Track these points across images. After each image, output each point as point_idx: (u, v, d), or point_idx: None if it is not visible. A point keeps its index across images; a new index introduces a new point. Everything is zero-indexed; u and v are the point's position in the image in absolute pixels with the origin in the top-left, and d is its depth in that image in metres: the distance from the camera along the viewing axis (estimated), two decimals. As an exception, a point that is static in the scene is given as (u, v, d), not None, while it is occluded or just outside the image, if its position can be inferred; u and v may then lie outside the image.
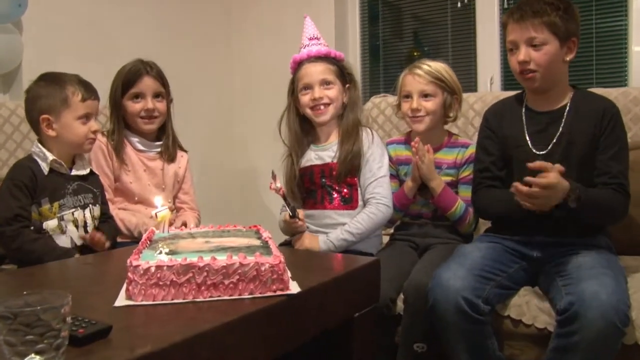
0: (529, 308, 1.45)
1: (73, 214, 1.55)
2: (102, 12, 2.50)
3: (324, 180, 1.79)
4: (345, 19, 2.95)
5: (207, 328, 0.89)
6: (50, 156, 1.54)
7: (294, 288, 1.06)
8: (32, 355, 0.68)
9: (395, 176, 1.83)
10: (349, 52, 2.95)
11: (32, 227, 1.51)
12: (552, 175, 1.34)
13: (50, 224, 1.53)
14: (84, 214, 1.58)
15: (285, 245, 1.79)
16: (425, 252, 1.72)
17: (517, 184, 1.36)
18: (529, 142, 1.56)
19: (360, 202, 1.77)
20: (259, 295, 1.02)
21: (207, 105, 2.94)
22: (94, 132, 1.58)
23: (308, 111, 1.79)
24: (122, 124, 1.84)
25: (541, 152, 1.54)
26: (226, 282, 1.01)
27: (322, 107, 1.77)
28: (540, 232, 1.52)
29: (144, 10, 2.69)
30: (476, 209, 1.70)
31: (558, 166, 1.36)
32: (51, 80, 1.56)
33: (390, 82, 2.69)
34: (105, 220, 1.65)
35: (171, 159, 1.91)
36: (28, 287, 1.13)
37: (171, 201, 1.90)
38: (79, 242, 1.54)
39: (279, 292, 1.03)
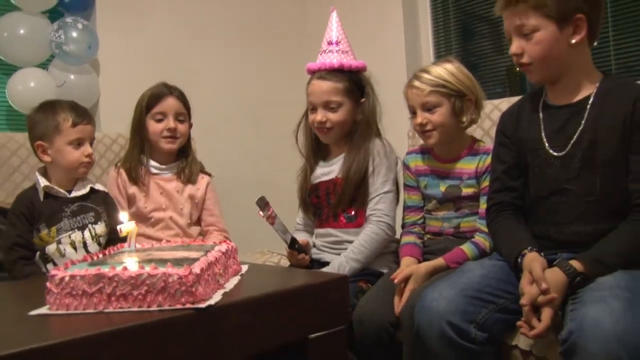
0: (543, 338, 1.23)
1: (70, 236, 1.65)
2: (173, 48, 2.75)
3: (329, 197, 1.73)
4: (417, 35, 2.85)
5: (82, 334, 0.89)
6: (43, 182, 1.66)
7: (212, 302, 1.02)
8: None
9: (415, 188, 1.70)
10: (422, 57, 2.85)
11: (37, 252, 1.63)
12: (545, 317, 1.19)
13: (51, 248, 1.64)
14: (83, 235, 1.67)
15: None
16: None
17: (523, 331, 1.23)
18: (545, 143, 1.36)
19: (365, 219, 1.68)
20: (167, 307, 1.00)
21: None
22: (87, 156, 1.67)
23: (314, 129, 1.78)
24: (144, 147, 1.93)
25: (559, 154, 1.35)
26: (135, 293, 1.01)
27: (325, 129, 1.73)
28: (565, 249, 1.31)
29: (217, 40, 2.89)
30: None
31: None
32: (45, 108, 1.69)
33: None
34: (113, 237, 1.71)
35: (189, 180, 1.96)
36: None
37: (191, 223, 1.95)
38: None
39: (188, 305, 1.00)
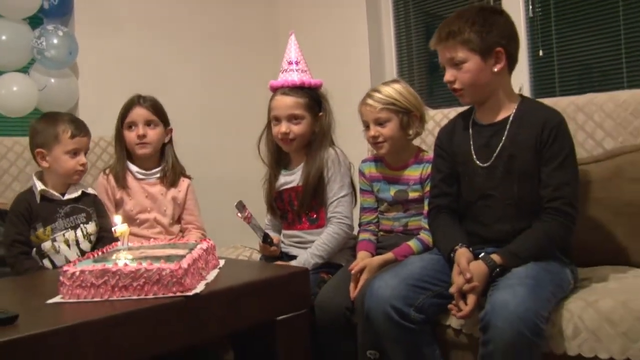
0: (469, 318, 1.54)
1: (64, 234, 1.90)
2: (148, 53, 2.98)
3: (292, 203, 2.04)
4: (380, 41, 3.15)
5: (93, 318, 1.16)
6: (40, 186, 1.91)
7: (197, 290, 1.30)
8: None
9: (370, 191, 2.00)
10: (385, 73, 3.14)
11: (34, 249, 1.88)
12: (470, 302, 1.49)
13: (46, 246, 1.89)
14: (75, 234, 1.92)
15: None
16: (394, 263, 1.87)
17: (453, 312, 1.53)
18: (474, 155, 1.66)
19: (326, 220, 2.01)
20: (161, 295, 1.27)
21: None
22: (82, 165, 1.92)
23: (277, 140, 2.05)
24: (123, 154, 2.20)
25: (484, 165, 1.65)
26: (134, 284, 1.29)
27: (288, 140, 2.01)
28: (491, 244, 1.61)
29: (191, 47, 3.13)
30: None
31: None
32: (47, 119, 1.95)
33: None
34: (102, 235, 1.97)
35: (171, 183, 2.22)
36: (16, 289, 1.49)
37: (172, 222, 2.22)
38: (72, 259, 1.87)
39: (178, 294, 1.27)
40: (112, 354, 1.18)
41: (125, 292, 1.29)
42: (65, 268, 1.31)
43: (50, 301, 1.30)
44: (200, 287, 1.33)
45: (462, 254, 1.56)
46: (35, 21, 2.70)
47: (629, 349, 1.35)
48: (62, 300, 1.29)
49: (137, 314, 1.22)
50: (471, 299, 1.49)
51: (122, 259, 1.36)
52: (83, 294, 1.29)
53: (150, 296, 1.28)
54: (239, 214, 1.91)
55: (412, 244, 1.85)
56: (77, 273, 1.29)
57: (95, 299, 1.28)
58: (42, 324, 1.15)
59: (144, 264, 1.29)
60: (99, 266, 1.30)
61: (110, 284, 1.29)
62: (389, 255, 1.82)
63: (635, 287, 1.54)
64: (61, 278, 1.31)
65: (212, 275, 1.47)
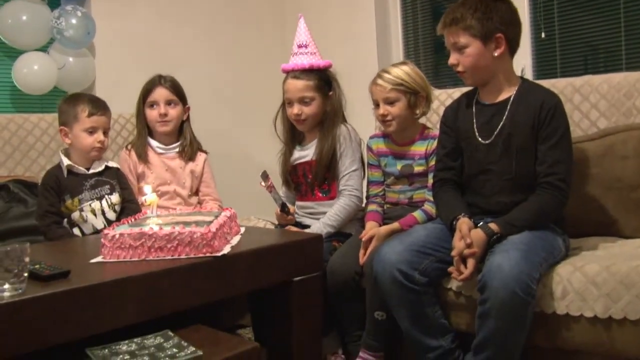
0: (468, 281, 1.72)
1: (90, 205, 2.09)
2: (161, 34, 3.15)
3: (306, 176, 2.22)
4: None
5: (134, 274, 1.35)
6: (66, 162, 2.08)
7: (225, 252, 1.49)
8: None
9: (377, 166, 2.18)
10: (392, 53, 3.30)
11: (65, 219, 2.07)
12: (470, 265, 1.66)
13: (75, 215, 2.08)
14: (101, 204, 2.10)
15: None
16: (400, 233, 2.05)
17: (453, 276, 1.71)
18: (476, 132, 1.84)
19: (338, 193, 2.19)
20: (193, 256, 1.46)
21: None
22: (99, 142, 2.08)
23: (292, 120, 2.24)
24: (145, 131, 2.40)
25: (485, 142, 1.82)
26: (169, 245, 1.47)
27: (301, 120, 2.20)
28: (490, 215, 1.79)
29: (203, 27, 3.31)
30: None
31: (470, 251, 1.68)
32: (69, 99, 2.13)
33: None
34: (125, 205, 2.15)
35: (189, 158, 2.42)
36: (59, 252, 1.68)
37: (191, 194, 2.42)
38: (99, 227, 2.07)
39: (207, 254, 1.46)
40: (150, 305, 1.37)
41: (161, 253, 1.47)
42: (105, 231, 1.50)
43: (93, 260, 1.48)
44: (226, 249, 1.52)
45: (464, 222, 1.74)
46: (53, 2, 2.86)
47: (611, 308, 1.53)
48: (104, 260, 1.48)
49: (172, 271, 1.41)
50: (470, 263, 1.67)
51: (156, 225, 1.54)
52: (122, 255, 1.48)
53: (183, 256, 1.47)
54: (263, 183, 2.10)
55: (417, 214, 2.03)
56: (117, 236, 1.48)
57: (133, 259, 1.47)
58: (91, 278, 1.33)
59: (177, 228, 1.48)
60: (136, 229, 1.48)
61: (146, 246, 1.47)
62: (395, 225, 2.01)
63: (619, 254, 1.72)
64: (102, 240, 1.49)
65: (235, 239, 1.65)
